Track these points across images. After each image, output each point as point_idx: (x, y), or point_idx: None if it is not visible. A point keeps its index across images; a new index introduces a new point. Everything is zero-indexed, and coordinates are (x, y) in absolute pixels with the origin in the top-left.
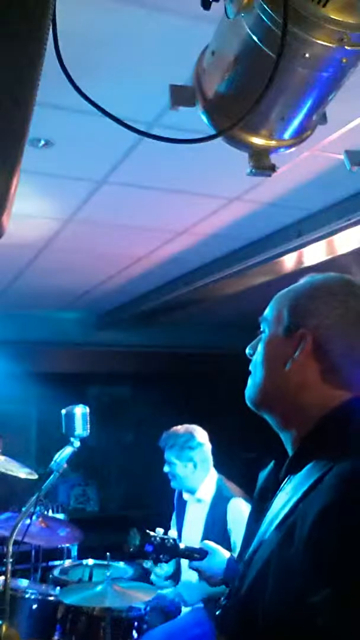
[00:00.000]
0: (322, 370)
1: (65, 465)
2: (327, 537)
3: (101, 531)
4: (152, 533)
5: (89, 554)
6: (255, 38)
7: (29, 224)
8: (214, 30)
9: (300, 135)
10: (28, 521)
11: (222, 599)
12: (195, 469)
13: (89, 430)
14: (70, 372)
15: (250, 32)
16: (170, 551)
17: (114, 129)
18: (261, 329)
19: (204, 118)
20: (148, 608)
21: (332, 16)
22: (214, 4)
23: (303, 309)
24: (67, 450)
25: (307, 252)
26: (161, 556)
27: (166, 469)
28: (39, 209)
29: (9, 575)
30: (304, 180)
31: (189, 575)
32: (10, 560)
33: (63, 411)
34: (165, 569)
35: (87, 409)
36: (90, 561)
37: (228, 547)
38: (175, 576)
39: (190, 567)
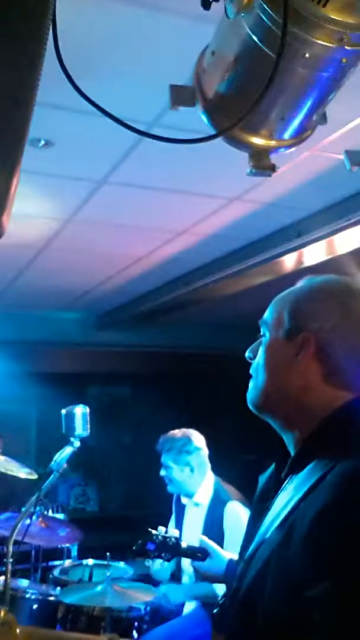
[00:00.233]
0: (324, 373)
1: (65, 465)
2: (326, 534)
3: (101, 531)
4: (154, 531)
5: (89, 554)
6: (255, 38)
7: (29, 224)
8: (214, 30)
9: (300, 135)
10: (28, 521)
11: (220, 598)
12: (192, 473)
13: (89, 430)
14: (70, 372)
15: (250, 32)
16: (172, 550)
17: (114, 129)
18: (261, 332)
19: (204, 118)
20: (148, 608)
21: (332, 16)
22: (214, 4)
23: (304, 312)
24: (67, 450)
25: (307, 252)
26: (163, 554)
27: (163, 472)
28: (39, 209)
29: (9, 575)
30: (304, 180)
31: (189, 574)
32: (10, 560)
33: (63, 411)
34: (157, 565)
35: (87, 409)
36: (90, 561)
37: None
38: (175, 575)
39: (192, 566)
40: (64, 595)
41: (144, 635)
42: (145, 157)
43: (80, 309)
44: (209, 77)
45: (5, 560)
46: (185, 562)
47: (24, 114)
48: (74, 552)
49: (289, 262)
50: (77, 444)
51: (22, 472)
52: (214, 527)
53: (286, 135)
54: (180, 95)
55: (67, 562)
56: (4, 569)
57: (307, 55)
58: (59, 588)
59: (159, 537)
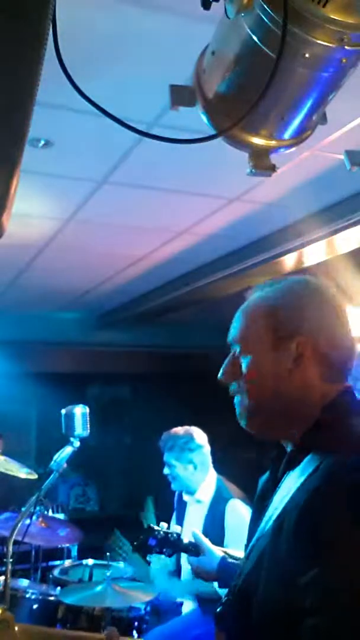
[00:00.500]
0: (322, 372)
1: (65, 465)
2: (312, 524)
3: (101, 531)
4: (156, 527)
5: (89, 554)
6: (255, 38)
7: (29, 224)
8: (214, 30)
9: (300, 135)
10: (28, 521)
11: (224, 596)
12: (195, 470)
13: (88, 430)
14: (70, 372)
15: (250, 32)
16: (174, 546)
17: (114, 129)
18: (233, 352)
19: (204, 118)
20: (148, 608)
21: (332, 16)
22: (214, 4)
23: (290, 319)
24: (67, 450)
25: (307, 252)
26: (164, 550)
27: (166, 471)
28: (39, 209)
29: (9, 575)
30: (304, 180)
31: (188, 570)
32: (10, 560)
33: (63, 411)
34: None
35: (87, 409)
36: (90, 561)
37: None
38: (176, 572)
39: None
40: (64, 595)
41: (144, 635)
42: (145, 157)
43: (80, 309)
44: (209, 77)
45: (5, 560)
46: (185, 559)
47: (24, 114)
48: (74, 552)
49: (289, 262)
50: (77, 444)
51: (22, 472)
52: (215, 525)
53: (286, 135)
54: (180, 95)
55: (67, 562)
56: (4, 569)
57: (307, 55)
58: (59, 588)
59: (161, 532)
